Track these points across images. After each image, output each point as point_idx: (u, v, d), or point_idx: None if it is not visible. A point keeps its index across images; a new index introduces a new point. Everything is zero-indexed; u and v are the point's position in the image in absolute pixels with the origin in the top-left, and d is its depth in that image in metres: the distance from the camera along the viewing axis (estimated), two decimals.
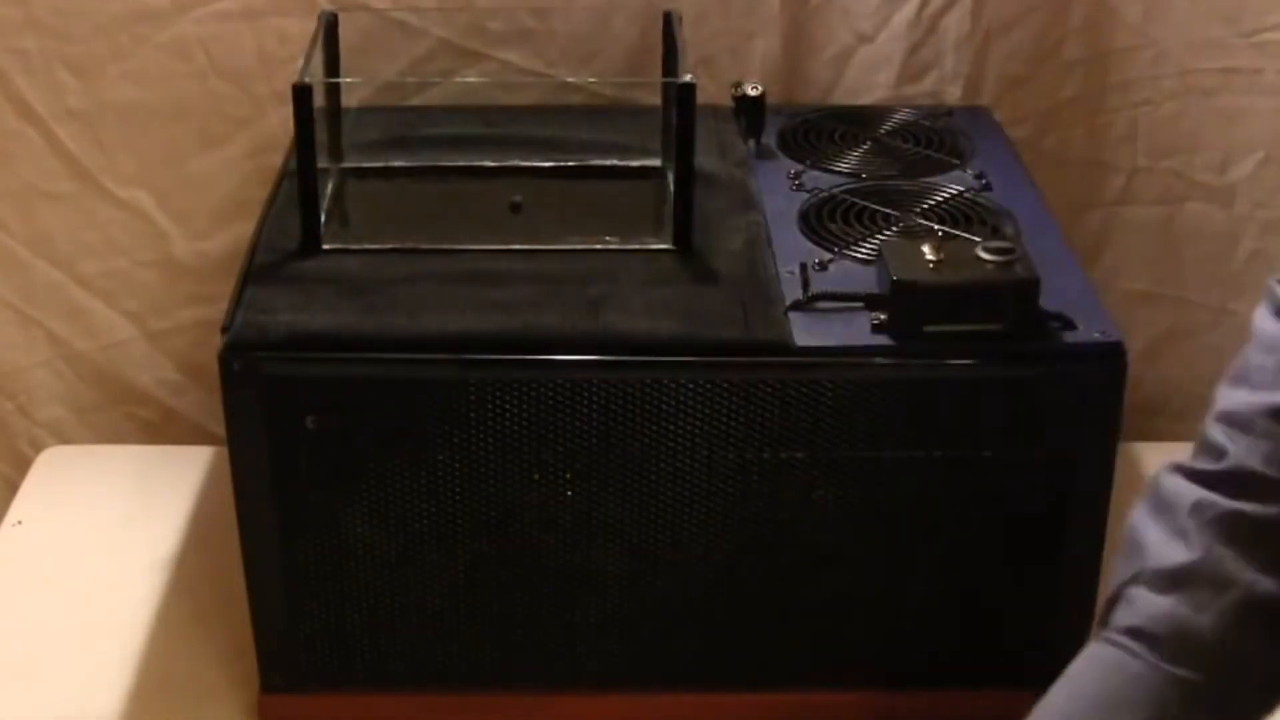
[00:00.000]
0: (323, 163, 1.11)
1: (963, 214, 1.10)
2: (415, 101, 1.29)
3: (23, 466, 1.37)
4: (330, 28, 1.15)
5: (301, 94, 1.03)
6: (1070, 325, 0.99)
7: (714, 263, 1.05)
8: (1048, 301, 0.98)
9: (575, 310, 1.00)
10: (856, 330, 0.98)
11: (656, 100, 1.19)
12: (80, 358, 1.37)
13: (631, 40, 1.29)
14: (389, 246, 1.07)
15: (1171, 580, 0.74)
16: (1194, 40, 1.29)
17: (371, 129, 1.19)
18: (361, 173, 1.18)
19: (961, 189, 1.14)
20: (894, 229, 1.09)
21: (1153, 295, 1.37)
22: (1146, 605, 0.74)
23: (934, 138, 1.21)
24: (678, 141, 1.05)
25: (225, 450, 1.00)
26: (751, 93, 1.21)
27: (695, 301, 1.00)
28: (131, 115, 1.29)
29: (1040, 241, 1.05)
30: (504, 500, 1.01)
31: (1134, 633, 0.74)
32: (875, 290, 1.00)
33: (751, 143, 1.21)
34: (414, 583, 1.04)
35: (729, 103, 1.22)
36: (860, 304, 1.00)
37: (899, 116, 1.25)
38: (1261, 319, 0.76)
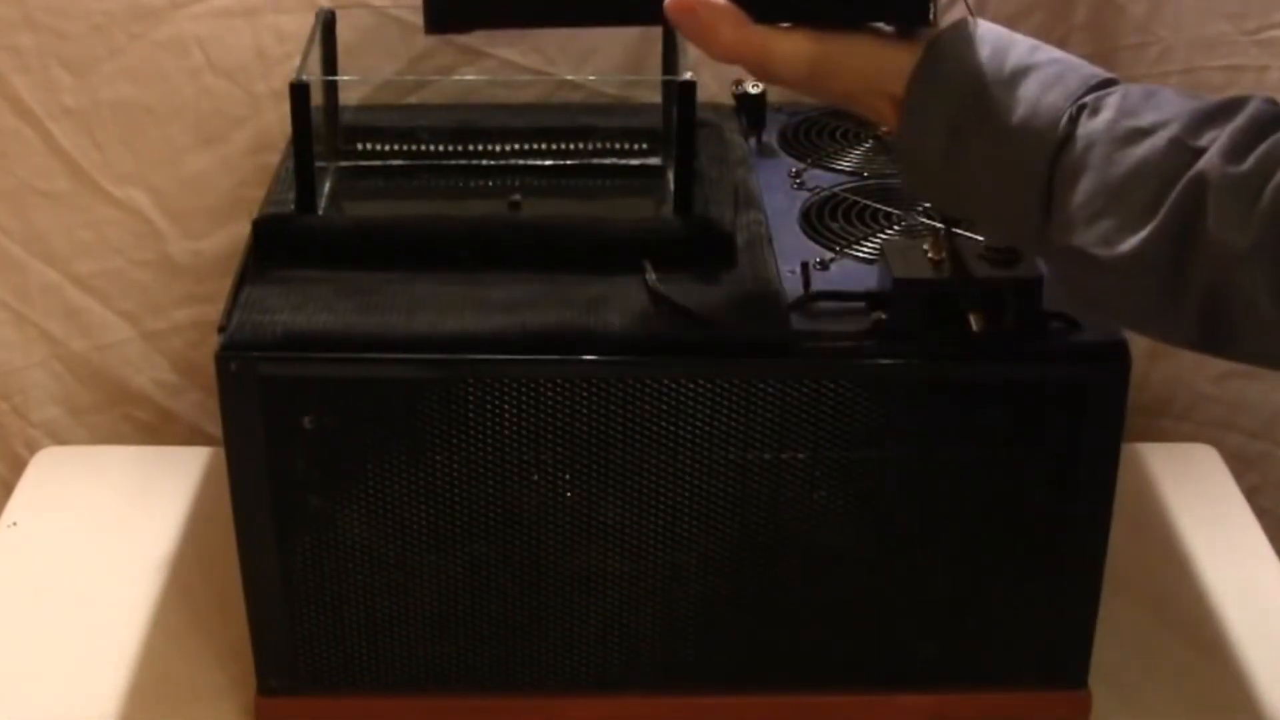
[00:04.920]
0: (320, 161, 1.10)
1: None
2: (413, 99, 1.28)
3: (18, 468, 1.36)
4: (328, 25, 1.15)
5: (299, 92, 1.02)
6: (1073, 325, 0.98)
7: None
8: (1050, 301, 0.97)
9: (574, 310, 0.99)
10: (858, 329, 0.98)
11: (656, 98, 1.18)
12: (76, 358, 1.37)
13: (631, 38, 1.29)
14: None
15: None
16: (1199, 37, 1.29)
17: (369, 127, 1.19)
18: (359, 171, 1.17)
19: None
20: (895, 228, 1.08)
21: None
22: None
23: None
24: (678, 140, 1.04)
25: (222, 451, 1.00)
26: (752, 90, 1.21)
27: (695, 300, 0.99)
28: (128, 113, 1.28)
29: None
30: (502, 501, 1.01)
31: None
32: (876, 289, 0.99)
33: (752, 141, 1.20)
34: (412, 584, 1.03)
35: (730, 100, 1.22)
36: (861, 303, 0.99)
37: None
38: None
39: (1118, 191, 0.75)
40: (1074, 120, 0.77)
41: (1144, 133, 0.75)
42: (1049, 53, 0.81)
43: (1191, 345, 0.77)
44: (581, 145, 1.18)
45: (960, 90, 0.79)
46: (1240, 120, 0.74)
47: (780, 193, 1.14)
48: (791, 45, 0.81)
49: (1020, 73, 0.79)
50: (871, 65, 0.81)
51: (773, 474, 1.00)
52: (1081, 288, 0.79)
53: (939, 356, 0.98)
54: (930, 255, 0.98)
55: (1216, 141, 0.73)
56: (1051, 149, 0.77)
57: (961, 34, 0.81)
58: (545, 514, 1.01)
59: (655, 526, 1.02)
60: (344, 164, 1.17)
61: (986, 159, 0.79)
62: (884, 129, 0.92)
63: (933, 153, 0.80)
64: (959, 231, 1.06)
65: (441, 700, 1.07)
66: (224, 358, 0.97)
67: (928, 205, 1.11)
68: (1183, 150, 0.74)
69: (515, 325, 0.98)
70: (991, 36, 0.81)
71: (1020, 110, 0.78)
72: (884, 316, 0.98)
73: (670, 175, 1.09)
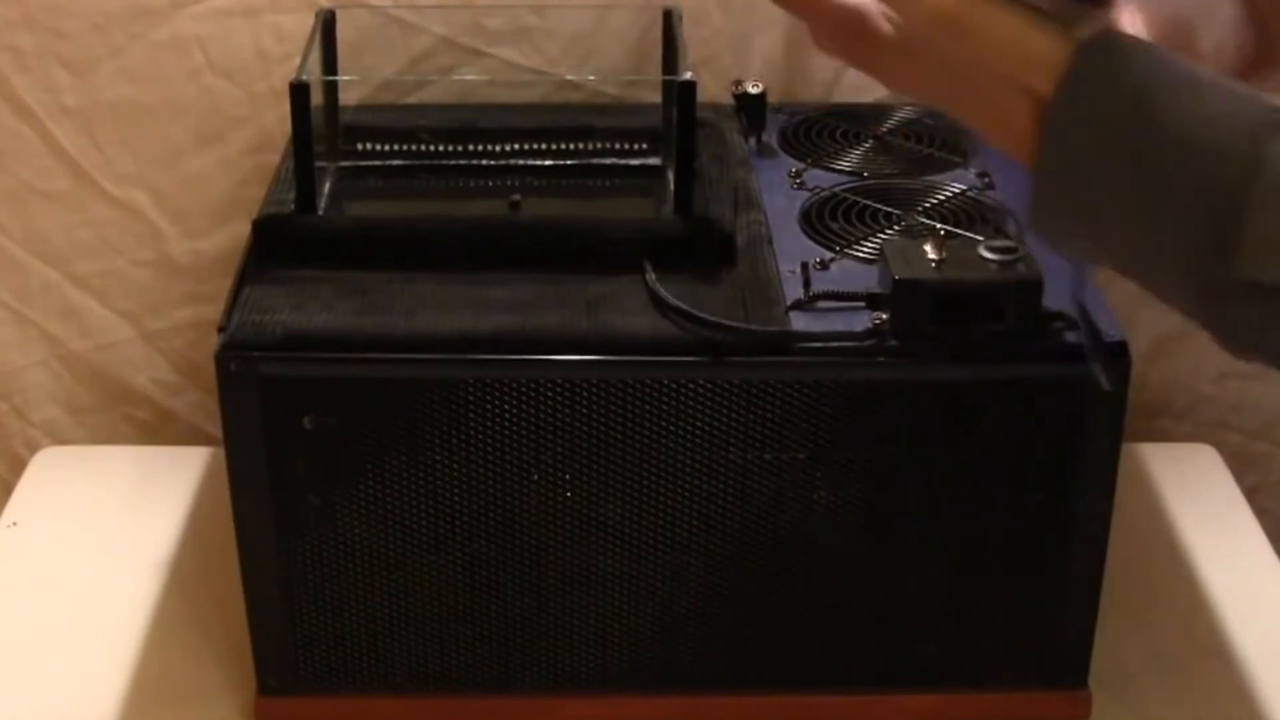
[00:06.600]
0: (320, 161, 1.10)
1: (965, 213, 1.10)
2: (414, 99, 1.28)
3: (18, 468, 1.36)
4: (328, 25, 1.15)
5: (299, 92, 1.02)
6: (1073, 325, 0.98)
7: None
8: (1051, 301, 0.97)
9: (574, 310, 0.99)
10: (858, 330, 0.98)
11: (656, 98, 1.18)
12: (76, 358, 1.37)
13: (631, 38, 1.28)
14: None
15: None
16: None
17: (369, 127, 1.19)
18: (359, 171, 1.17)
19: (964, 187, 1.13)
20: (896, 228, 1.08)
21: None
22: None
23: (936, 136, 1.21)
24: (678, 140, 1.04)
25: (222, 451, 1.00)
26: (752, 90, 1.20)
27: (695, 300, 0.99)
28: (128, 113, 1.28)
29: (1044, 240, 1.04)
30: (502, 501, 1.00)
31: None
32: (877, 290, 0.99)
33: (752, 141, 1.20)
34: (412, 584, 1.03)
35: (730, 100, 1.22)
36: (862, 303, 0.99)
37: (901, 114, 1.24)
38: None
39: None
40: (1262, 141, 0.65)
41: None
42: (1210, 70, 0.69)
43: None
44: (581, 145, 1.18)
45: (1124, 93, 0.66)
46: None
47: (780, 193, 1.14)
48: None
49: (1193, 84, 0.67)
50: (1018, 40, 0.67)
51: (773, 474, 1.00)
52: (1272, 334, 0.66)
53: (939, 357, 0.98)
54: (931, 256, 0.97)
55: None
56: (1242, 168, 0.64)
57: (1119, 35, 0.69)
58: (545, 514, 1.01)
59: (655, 526, 1.02)
60: (344, 164, 1.17)
61: (1153, 176, 0.66)
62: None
63: (1080, 166, 0.67)
64: (958, 232, 1.06)
65: (441, 700, 1.07)
66: (224, 358, 0.97)
67: (928, 206, 1.10)
68: None
69: (515, 325, 0.98)
70: (1151, 45, 0.69)
71: (1198, 122, 0.66)
72: (884, 317, 0.98)
73: (670, 175, 1.09)
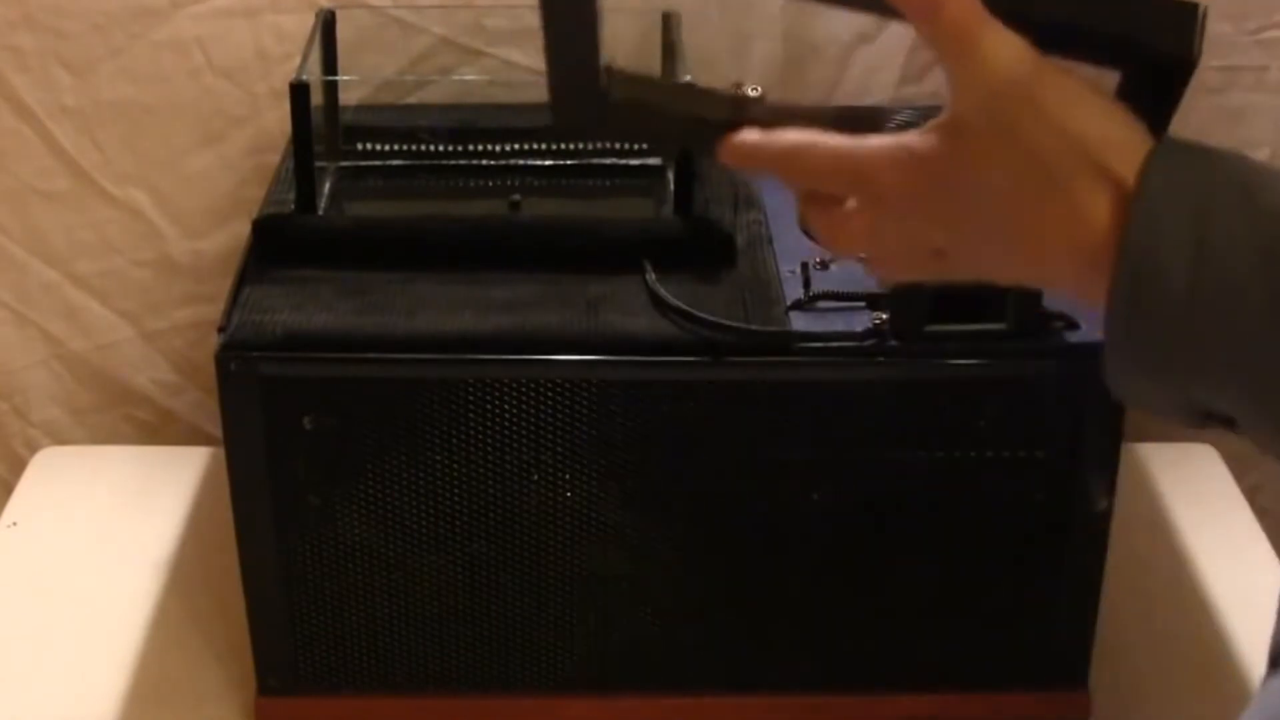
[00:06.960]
0: (320, 161, 1.10)
1: None
2: (414, 99, 1.28)
3: (18, 468, 1.36)
4: (328, 25, 1.15)
5: (299, 92, 1.02)
6: (1073, 325, 0.98)
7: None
8: (1050, 300, 0.97)
9: (574, 310, 0.99)
10: (858, 330, 0.98)
11: None
12: (76, 358, 1.37)
13: (631, 40, 1.28)
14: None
15: None
16: None
17: (369, 127, 1.19)
18: (359, 171, 1.17)
19: None
20: None
21: None
22: None
23: None
24: None
25: (222, 451, 1.00)
26: (751, 94, 1.20)
27: (695, 300, 0.99)
28: (128, 113, 1.28)
29: None
30: (502, 501, 1.00)
31: None
32: (877, 290, 0.99)
33: None
34: (412, 584, 1.03)
35: None
36: (862, 303, 0.99)
37: (900, 117, 1.24)
38: None
39: None
40: None
41: None
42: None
43: None
44: (581, 145, 1.18)
45: (1211, 169, 0.55)
46: None
47: (780, 193, 1.13)
48: (1010, 39, 0.57)
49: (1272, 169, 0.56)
50: (1095, 113, 0.56)
51: (772, 474, 1.00)
52: None
53: (939, 356, 0.98)
54: None
55: None
56: None
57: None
58: (545, 514, 1.01)
59: (655, 526, 1.02)
60: (344, 164, 1.17)
61: (1258, 253, 0.53)
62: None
63: (1177, 255, 0.53)
64: None
65: (441, 700, 1.07)
66: (224, 357, 0.97)
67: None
68: None
69: (515, 325, 0.98)
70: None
71: None
72: (884, 317, 0.98)
73: (670, 175, 1.09)
